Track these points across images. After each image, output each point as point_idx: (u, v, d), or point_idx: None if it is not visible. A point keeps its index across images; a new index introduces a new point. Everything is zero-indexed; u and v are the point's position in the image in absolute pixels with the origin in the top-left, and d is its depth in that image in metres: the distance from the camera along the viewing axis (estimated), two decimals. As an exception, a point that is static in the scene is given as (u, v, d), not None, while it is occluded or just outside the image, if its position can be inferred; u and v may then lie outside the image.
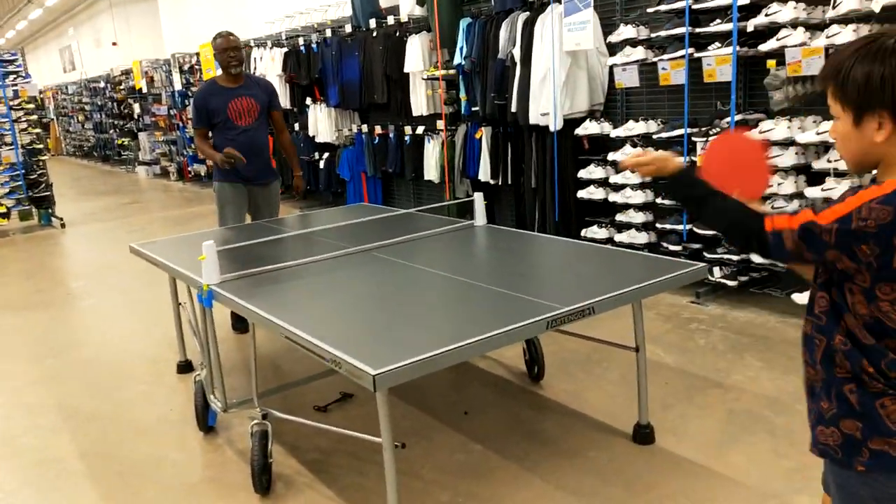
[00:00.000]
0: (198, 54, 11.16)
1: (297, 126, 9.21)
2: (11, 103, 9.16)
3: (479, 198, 3.81)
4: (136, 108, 14.92)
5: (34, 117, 9.57)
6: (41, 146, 9.65)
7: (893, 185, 1.27)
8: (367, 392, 3.61)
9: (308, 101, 8.62)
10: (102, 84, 17.13)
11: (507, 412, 3.31)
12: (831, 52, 3.80)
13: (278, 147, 4.87)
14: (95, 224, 9.58)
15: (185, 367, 4.09)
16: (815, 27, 3.95)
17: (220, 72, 4.53)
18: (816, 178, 4.03)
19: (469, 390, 3.58)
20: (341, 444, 3.10)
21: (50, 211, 9.68)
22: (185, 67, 11.88)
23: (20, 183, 9.28)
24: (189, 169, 12.97)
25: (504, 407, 3.37)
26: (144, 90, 13.94)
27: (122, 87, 15.62)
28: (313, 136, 8.72)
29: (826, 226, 1.30)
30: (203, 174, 12.42)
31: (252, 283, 2.92)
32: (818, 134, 3.83)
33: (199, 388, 3.28)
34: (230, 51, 4.41)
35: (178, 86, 11.92)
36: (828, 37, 3.77)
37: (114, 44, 18.15)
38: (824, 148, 3.96)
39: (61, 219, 9.60)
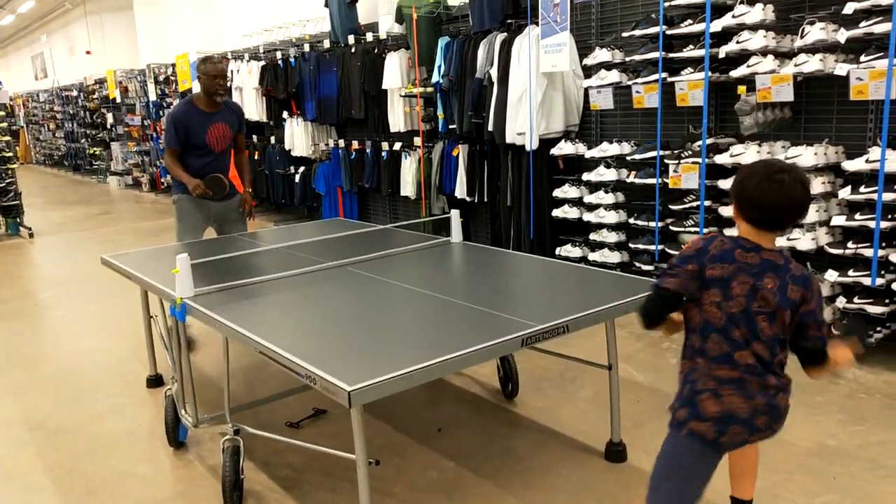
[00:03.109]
0: (174, 65, 11.10)
1: (273, 140, 9.19)
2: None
3: (455, 215, 3.84)
4: (110, 117, 14.76)
5: (4, 125, 9.42)
6: (10, 154, 9.49)
7: (714, 233, 2.05)
8: (341, 408, 3.61)
9: (285, 114, 8.61)
10: (75, 93, 16.93)
11: (480, 429, 3.32)
12: (799, 79, 3.91)
13: (236, 163, 4.83)
14: (65, 234, 9.42)
15: (154, 382, 4.04)
16: (784, 55, 4.06)
17: (196, 88, 4.51)
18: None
19: (443, 407, 3.58)
20: (314, 460, 3.08)
21: (18, 220, 9.51)
22: (161, 78, 11.80)
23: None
24: (162, 180, 12.85)
25: (477, 424, 3.38)
26: (118, 100, 13.81)
27: (95, 97, 15.45)
28: (289, 150, 8.71)
29: (672, 262, 2.03)
30: (176, 186, 12.30)
31: (226, 298, 2.91)
32: (787, 159, 3.93)
33: (170, 402, 3.24)
34: (219, 78, 4.39)
35: (152, 96, 11.83)
36: (796, 65, 3.88)
37: (87, 52, 17.95)
38: (792, 173, 4.06)
39: (29, 228, 9.43)
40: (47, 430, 3.55)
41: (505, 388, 3.69)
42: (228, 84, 4.53)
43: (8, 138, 9.52)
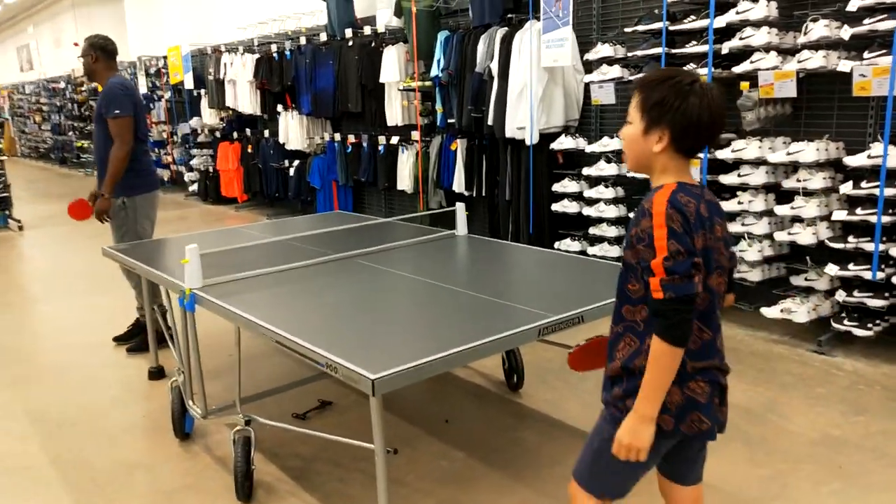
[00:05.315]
0: (165, 57, 11.01)
1: (266, 133, 9.14)
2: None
3: (460, 208, 3.85)
4: (98, 110, 14.59)
5: (-6, 116, 9.29)
6: None
7: (671, 187, 1.61)
8: (347, 400, 3.61)
9: (279, 108, 8.57)
10: (63, 85, 16.74)
11: (487, 421, 3.33)
12: (801, 75, 3.95)
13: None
14: (53, 227, 9.33)
15: (156, 374, 4.02)
16: (787, 52, 4.10)
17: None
18: (785, 196, 4.17)
19: (448, 399, 3.59)
20: (323, 451, 3.07)
21: (7, 213, 9.40)
22: (152, 70, 11.70)
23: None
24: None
25: (484, 416, 3.39)
26: (107, 92, 13.65)
27: (83, 89, 15.29)
28: (283, 144, 8.67)
29: (675, 249, 1.53)
30: (166, 179, 12.21)
31: (235, 288, 2.89)
32: (788, 154, 3.97)
33: (177, 394, 3.23)
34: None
35: (143, 89, 11.72)
36: (799, 61, 3.92)
37: (75, 44, 17.72)
38: (793, 168, 4.11)
39: (19, 221, 9.33)
40: (50, 423, 3.52)
41: (510, 380, 3.70)
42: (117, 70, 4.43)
43: (-3, 130, 9.40)
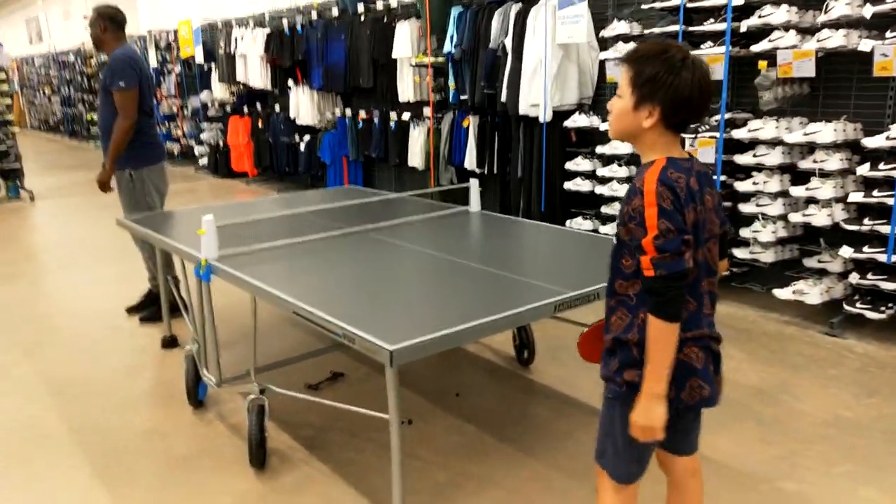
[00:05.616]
0: (175, 31, 10.95)
1: (277, 108, 9.11)
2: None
3: (474, 184, 3.83)
4: (108, 83, 14.56)
5: (5, 87, 9.30)
6: (10, 117, 9.38)
7: (659, 163, 1.60)
8: (359, 372, 3.63)
9: (290, 83, 8.53)
10: (72, 58, 16.69)
11: (499, 396, 3.35)
12: (820, 55, 3.90)
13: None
14: (64, 198, 9.36)
15: (169, 342, 4.05)
16: (807, 30, 4.05)
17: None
18: (800, 177, 4.14)
19: (459, 374, 3.61)
20: (336, 421, 3.10)
21: (19, 183, 9.43)
22: (162, 44, 11.65)
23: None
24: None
25: (495, 390, 3.41)
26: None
27: (93, 61, 15.25)
28: (294, 119, 8.64)
29: (666, 227, 1.53)
30: (176, 153, 12.21)
31: (250, 260, 2.90)
32: (805, 135, 3.94)
33: (191, 362, 3.25)
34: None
35: (153, 63, 11.68)
36: (819, 40, 3.87)
37: (85, 17, 17.66)
38: (810, 148, 4.07)
39: (31, 192, 9.36)
40: (66, 391, 3.56)
41: (520, 355, 3.71)
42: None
43: (8, 101, 9.41)
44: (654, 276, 1.55)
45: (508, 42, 5.61)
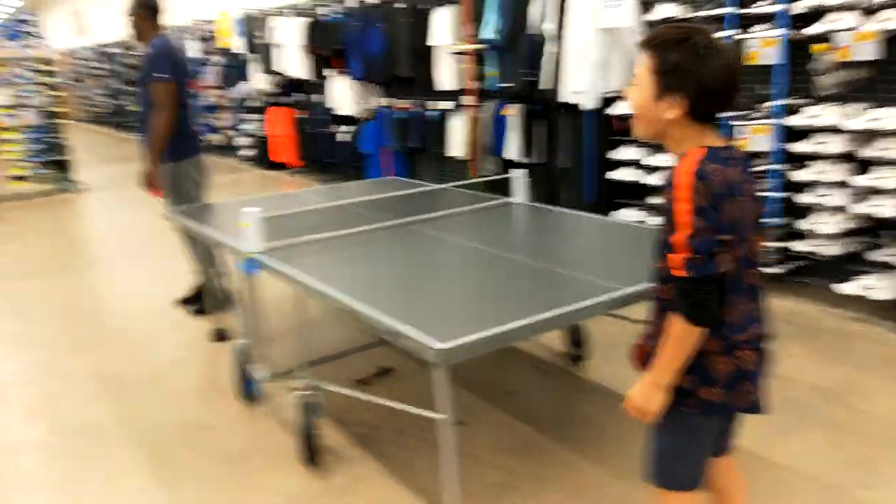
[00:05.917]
0: (216, 21, 11.04)
1: (316, 98, 9.12)
2: (31, 66, 9.11)
3: (518, 174, 3.77)
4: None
5: (56, 79, 9.50)
6: (59, 109, 9.59)
7: (696, 154, 1.50)
8: (407, 367, 3.61)
9: (329, 72, 8.52)
10: (117, 50, 16.98)
11: (551, 394, 3.29)
12: (882, 37, 3.72)
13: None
14: (115, 190, 9.54)
15: (218, 336, 4.09)
16: (866, 12, 3.87)
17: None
18: (860, 166, 3.97)
19: (510, 371, 3.56)
20: (386, 419, 3.09)
21: (69, 176, 9.65)
22: (203, 35, 11.76)
23: (40, 146, 9.25)
24: (202, 138, 12.88)
25: (548, 389, 3.35)
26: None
27: (135, 53, 15.49)
28: (331, 109, 8.64)
29: (700, 225, 1.45)
30: (219, 144, 12.34)
31: (294, 253, 2.88)
32: (867, 121, 3.77)
33: (240, 356, 3.28)
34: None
35: (195, 54, 11.80)
36: (880, 21, 3.69)
37: (123, 11, 17.91)
38: (869, 136, 3.90)
39: (81, 183, 9.56)
40: (116, 383, 3.62)
41: (573, 353, 3.65)
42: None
43: (57, 93, 9.60)
44: (686, 277, 1.47)
45: (550, 27, 5.50)
